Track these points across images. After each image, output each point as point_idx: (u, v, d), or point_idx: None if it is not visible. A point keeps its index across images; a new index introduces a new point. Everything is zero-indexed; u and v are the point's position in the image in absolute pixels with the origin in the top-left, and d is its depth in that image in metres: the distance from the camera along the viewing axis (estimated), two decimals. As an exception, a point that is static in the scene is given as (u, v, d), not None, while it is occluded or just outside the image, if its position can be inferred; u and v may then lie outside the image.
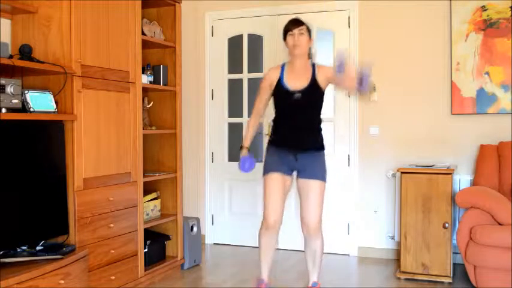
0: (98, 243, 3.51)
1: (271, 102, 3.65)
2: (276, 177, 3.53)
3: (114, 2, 3.67)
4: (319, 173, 3.54)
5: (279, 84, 3.50)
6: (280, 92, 3.51)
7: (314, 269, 3.65)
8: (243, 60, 5.36)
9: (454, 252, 4.29)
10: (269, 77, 3.57)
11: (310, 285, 3.66)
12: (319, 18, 5.08)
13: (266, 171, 3.58)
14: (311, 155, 3.54)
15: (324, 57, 5.08)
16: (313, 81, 3.45)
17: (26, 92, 3.10)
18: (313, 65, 3.52)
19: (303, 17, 5.01)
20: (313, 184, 3.52)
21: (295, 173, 3.62)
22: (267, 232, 3.56)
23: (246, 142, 3.66)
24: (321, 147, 3.59)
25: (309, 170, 3.53)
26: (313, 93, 3.47)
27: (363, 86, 3.12)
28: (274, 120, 3.62)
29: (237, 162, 3.79)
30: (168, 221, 4.41)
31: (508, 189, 4.13)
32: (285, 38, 3.53)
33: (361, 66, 3.25)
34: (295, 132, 3.52)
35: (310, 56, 3.55)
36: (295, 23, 3.49)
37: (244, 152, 3.62)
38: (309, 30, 3.52)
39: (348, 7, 4.95)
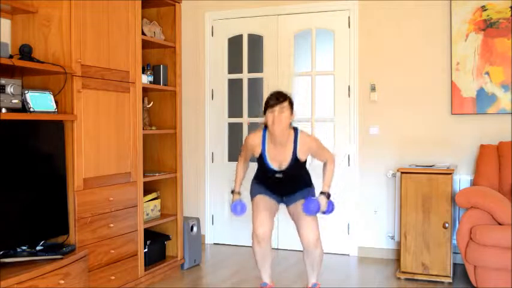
0: (98, 243, 3.51)
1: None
2: (263, 197, 3.62)
3: (114, 2, 3.67)
4: (306, 195, 3.58)
5: (261, 158, 3.51)
6: (262, 166, 3.55)
7: (313, 272, 3.65)
8: (243, 60, 5.36)
9: (454, 252, 4.29)
10: (251, 146, 3.55)
11: (309, 285, 3.66)
12: (319, 18, 5.08)
13: (253, 194, 3.66)
14: (297, 194, 3.61)
15: (324, 57, 5.10)
16: (295, 158, 3.45)
17: (26, 92, 3.10)
18: (296, 136, 3.45)
19: (303, 18, 5.08)
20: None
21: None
22: (259, 245, 3.55)
23: (237, 187, 3.72)
24: (307, 186, 3.65)
25: (297, 197, 3.59)
26: (295, 169, 3.51)
27: (327, 212, 3.52)
28: (258, 169, 3.65)
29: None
30: (168, 221, 4.41)
31: (508, 189, 4.13)
32: (265, 111, 3.39)
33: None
34: (279, 187, 3.62)
35: (291, 124, 3.46)
36: (277, 99, 3.34)
37: (235, 197, 3.68)
38: (291, 104, 3.40)
39: (348, 7, 4.95)
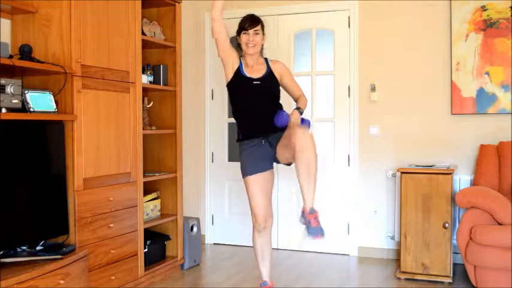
0: (98, 243, 3.51)
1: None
2: (256, 179, 3.53)
3: (114, 2, 3.67)
4: None
5: (239, 73, 3.56)
6: (240, 80, 3.56)
7: (309, 188, 3.25)
8: (243, 60, 5.36)
9: (454, 252, 4.29)
10: (232, 55, 3.58)
11: (307, 210, 3.25)
12: (319, 18, 5.08)
13: (245, 173, 3.56)
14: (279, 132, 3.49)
15: (324, 57, 5.10)
16: (269, 71, 3.59)
17: (26, 92, 3.10)
18: (266, 59, 3.65)
19: (303, 18, 5.08)
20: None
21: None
22: (260, 234, 3.56)
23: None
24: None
25: (280, 134, 3.48)
26: (271, 82, 3.58)
27: (303, 123, 3.43)
28: (237, 118, 3.65)
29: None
30: (168, 221, 4.41)
31: (508, 189, 4.13)
32: (239, 34, 3.60)
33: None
34: (260, 119, 3.54)
35: (262, 51, 3.64)
36: (251, 22, 3.56)
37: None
38: (263, 27, 3.60)
39: (348, 7, 4.95)
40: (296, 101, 3.68)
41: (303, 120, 3.45)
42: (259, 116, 3.54)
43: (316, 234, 3.20)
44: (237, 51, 3.61)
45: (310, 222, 3.22)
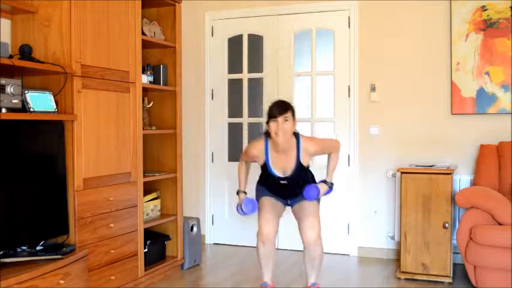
0: (97, 243, 3.51)
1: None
2: (269, 199, 3.63)
3: (114, 2, 3.67)
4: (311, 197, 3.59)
5: (265, 166, 3.54)
6: (266, 174, 3.57)
7: (313, 271, 3.65)
8: (243, 60, 5.36)
9: (454, 252, 4.29)
10: (252, 155, 3.56)
11: (309, 285, 3.66)
12: (319, 18, 5.07)
13: (259, 196, 3.66)
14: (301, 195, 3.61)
15: (324, 57, 5.10)
16: (298, 164, 3.48)
17: (26, 92, 3.10)
18: (298, 142, 3.47)
19: (303, 18, 5.08)
20: (306, 204, 3.57)
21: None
22: (264, 246, 3.56)
23: (242, 187, 3.69)
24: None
25: (302, 198, 3.60)
26: (299, 174, 3.53)
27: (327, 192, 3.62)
28: (261, 174, 3.67)
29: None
30: (168, 221, 4.40)
31: (508, 189, 4.13)
32: (267, 122, 3.41)
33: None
34: (286, 193, 3.64)
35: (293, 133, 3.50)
36: (279, 109, 3.37)
37: (242, 196, 3.64)
38: (293, 113, 3.43)
39: (348, 7, 4.95)
40: (328, 158, 3.66)
41: (329, 188, 3.63)
42: (285, 192, 3.63)
43: None
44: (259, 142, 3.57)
45: None
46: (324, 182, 3.60)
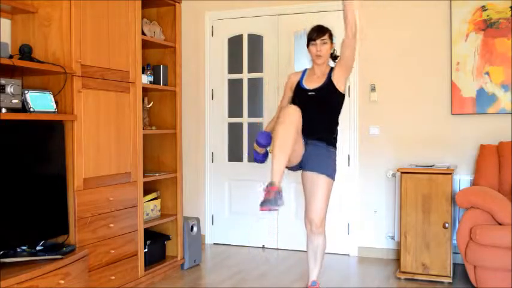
0: (98, 243, 3.51)
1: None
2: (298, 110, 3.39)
3: (114, 2, 3.67)
4: (325, 168, 3.49)
5: (298, 85, 3.65)
6: (297, 91, 3.65)
7: (315, 266, 3.63)
8: (243, 60, 5.36)
9: (454, 252, 4.29)
10: (290, 81, 3.73)
11: (309, 284, 3.66)
12: (319, 18, 5.06)
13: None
14: (320, 147, 3.53)
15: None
16: (328, 81, 3.56)
17: (26, 92, 3.10)
18: (331, 69, 3.62)
19: (303, 18, 5.08)
20: (318, 179, 3.48)
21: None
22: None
23: (268, 128, 3.76)
24: (332, 143, 3.60)
25: (316, 163, 3.49)
26: (328, 93, 3.56)
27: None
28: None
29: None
30: (168, 221, 4.41)
31: (508, 189, 4.13)
32: (308, 45, 3.61)
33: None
34: (309, 122, 3.48)
35: (332, 56, 3.67)
36: (318, 32, 3.56)
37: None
38: (331, 36, 3.59)
39: (348, 7, 4.94)
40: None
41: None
42: (310, 121, 3.49)
43: None
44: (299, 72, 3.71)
45: None
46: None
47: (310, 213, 3.52)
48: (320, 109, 3.56)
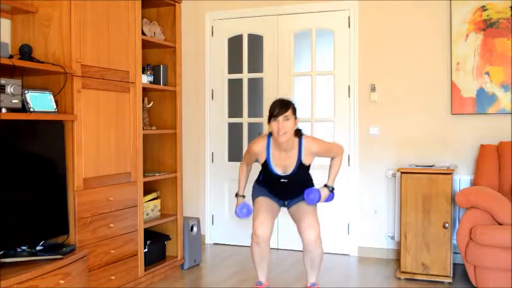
0: (98, 243, 3.51)
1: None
2: (265, 199, 3.63)
3: (114, 2, 3.67)
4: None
5: (266, 164, 3.54)
6: (267, 172, 3.58)
7: (313, 271, 3.65)
8: (243, 60, 5.36)
9: (454, 252, 4.29)
10: (254, 153, 3.57)
11: (308, 285, 3.66)
12: (319, 18, 5.07)
13: (256, 196, 3.67)
14: (300, 197, 3.62)
15: (324, 57, 5.10)
16: (299, 164, 3.48)
17: (26, 92, 3.10)
18: (300, 142, 3.46)
19: (303, 18, 5.08)
20: (304, 205, 3.57)
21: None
22: (258, 246, 3.55)
23: (241, 190, 3.74)
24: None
25: (300, 199, 3.61)
26: (300, 174, 3.53)
27: (326, 200, 3.62)
28: (261, 172, 3.68)
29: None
30: (168, 221, 4.40)
31: (508, 189, 4.13)
32: (269, 121, 3.41)
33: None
34: (285, 193, 3.65)
35: (297, 131, 3.49)
36: (280, 109, 3.35)
37: (240, 200, 3.70)
38: (294, 111, 3.42)
39: (348, 7, 4.95)
40: (330, 162, 3.66)
41: (329, 194, 3.62)
42: (284, 191, 3.64)
43: None
44: (261, 140, 3.56)
45: None
46: (325, 186, 3.60)
47: (306, 234, 3.49)
48: (294, 188, 3.59)
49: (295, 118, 3.42)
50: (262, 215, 3.53)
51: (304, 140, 3.47)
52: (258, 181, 3.73)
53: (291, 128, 3.38)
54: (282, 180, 3.53)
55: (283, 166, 3.51)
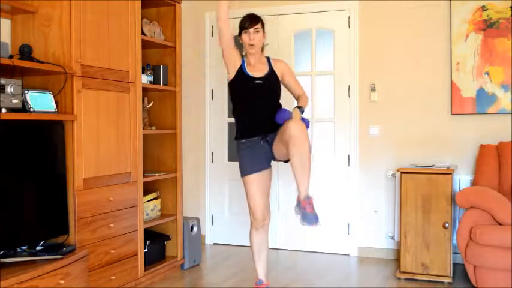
0: (98, 243, 3.51)
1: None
2: (255, 179, 3.57)
3: (114, 2, 3.67)
4: None
5: (241, 71, 3.58)
6: (242, 79, 3.59)
7: (303, 176, 3.28)
8: (243, 60, 5.35)
9: (454, 252, 4.29)
10: (234, 53, 3.59)
11: (302, 198, 3.28)
12: (319, 18, 5.07)
13: (244, 172, 3.59)
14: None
15: (324, 57, 5.10)
16: (271, 70, 3.62)
17: (26, 92, 3.10)
18: (268, 58, 3.68)
19: (303, 18, 5.08)
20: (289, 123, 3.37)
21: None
22: (258, 232, 3.60)
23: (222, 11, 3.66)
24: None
25: (278, 129, 3.49)
26: (273, 81, 3.62)
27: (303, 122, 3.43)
28: (237, 116, 3.68)
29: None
30: (168, 221, 4.40)
31: (508, 189, 4.13)
32: (240, 34, 3.61)
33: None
34: (259, 118, 3.58)
35: (263, 48, 3.66)
36: (251, 21, 3.58)
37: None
38: (263, 25, 3.62)
39: (348, 7, 4.95)
40: (297, 99, 3.72)
41: (302, 119, 3.44)
42: (260, 115, 3.58)
43: (311, 222, 3.23)
44: (239, 51, 3.63)
45: (305, 209, 3.24)
46: (298, 107, 3.54)
47: (292, 128, 3.26)
48: (267, 98, 3.60)
49: (264, 32, 3.61)
50: (258, 196, 3.55)
51: (271, 59, 3.68)
52: (238, 139, 3.61)
53: (260, 41, 3.57)
54: (257, 81, 3.55)
55: (256, 72, 3.58)
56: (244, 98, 3.62)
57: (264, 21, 3.66)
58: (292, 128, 3.26)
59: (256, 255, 3.67)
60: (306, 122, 3.46)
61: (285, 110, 3.52)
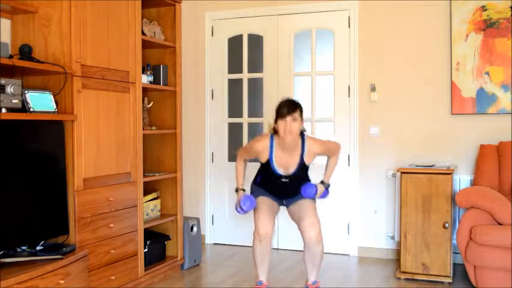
0: (98, 243, 3.51)
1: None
2: (265, 199, 3.64)
3: (114, 2, 3.67)
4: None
5: (268, 164, 3.56)
6: (267, 172, 3.59)
7: (313, 269, 3.66)
8: (243, 60, 5.36)
9: (454, 252, 4.29)
10: (256, 150, 3.58)
11: (309, 283, 3.66)
12: (319, 18, 5.07)
13: (255, 196, 3.66)
14: (298, 195, 3.64)
15: (324, 57, 5.10)
16: (301, 163, 3.54)
17: (26, 92, 3.10)
18: (303, 142, 3.52)
19: (303, 18, 5.08)
20: (305, 202, 3.60)
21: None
22: (260, 244, 3.57)
23: (240, 184, 3.71)
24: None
25: (298, 198, 3.64)
26: (300, 174, 3.58)
27: (321, 197, 3.70)
28: (260, 175, 3.71)
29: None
30: (168, 221, 4.41)
31: (508, 189, 4.13)
32: (276, 120, 3.45)
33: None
34: (283, 192, 3.67)
35: (301, 133, 3.54)
36: (289, 109, 3.41)
37: (241, 194, 3.65)
38: (301, 112, 3.47)
39: (348, 7, 4.95)
40: (327, 160, 3.72)
41: (325, 189, 3.68)
42: (283, 191, 3.66)
43: None
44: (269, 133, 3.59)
45: None
46: (322, 183, 3.67)
47: (307, 231, 3.51)
48: (293, 188, 3.60)
49: (302, 119, 3.47)
50: (264, 214, 3.55)
51: (306, 140, 3.54)
52: (255, 183, 3.74)
53: (297, 129, 3.43)
54: (283, 180, 3.55)
55: (285, 166, 3.54)
56: (270, 180, 3.62)
57: (302, 107, 3.50)
58: (308, 232, 3.49)
59: (258, 263, 3.66)
60: (326, 193, 3.68)
61: (310, 185, 3.54)
